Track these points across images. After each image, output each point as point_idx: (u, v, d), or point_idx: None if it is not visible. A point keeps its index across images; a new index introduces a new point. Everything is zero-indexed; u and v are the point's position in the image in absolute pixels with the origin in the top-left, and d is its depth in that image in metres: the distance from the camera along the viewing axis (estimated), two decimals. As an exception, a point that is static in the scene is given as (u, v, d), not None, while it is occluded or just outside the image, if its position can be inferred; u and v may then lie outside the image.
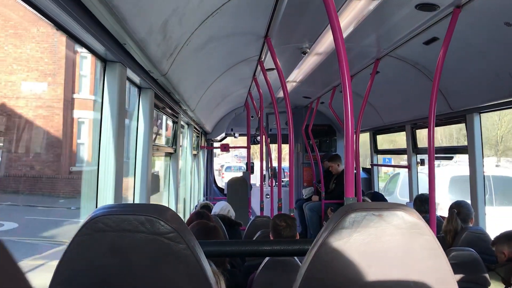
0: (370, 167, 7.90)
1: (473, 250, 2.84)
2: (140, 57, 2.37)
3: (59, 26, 1.72)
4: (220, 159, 32.14)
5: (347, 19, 3.37)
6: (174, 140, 4.83)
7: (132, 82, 2.87)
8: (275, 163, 8.34)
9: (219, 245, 2.07)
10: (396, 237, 0.99)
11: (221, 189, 9.77)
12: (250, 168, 8.21)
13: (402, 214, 1.00)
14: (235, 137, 9.85)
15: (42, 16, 1.62)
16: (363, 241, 1.00)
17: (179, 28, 2.47)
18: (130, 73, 2.56)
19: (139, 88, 3.08)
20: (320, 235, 1.05)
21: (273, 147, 11.04)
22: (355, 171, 5.20)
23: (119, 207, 1.07)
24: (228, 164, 31.58)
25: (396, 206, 1.01)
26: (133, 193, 2.98)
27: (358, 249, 0.99)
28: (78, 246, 1.02)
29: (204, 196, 9.08)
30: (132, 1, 1.78)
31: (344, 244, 1.00)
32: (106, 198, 2.20)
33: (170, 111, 4.35)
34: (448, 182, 7.54)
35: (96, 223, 1.02)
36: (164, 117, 4.74)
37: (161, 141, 5.45)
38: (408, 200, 5.87)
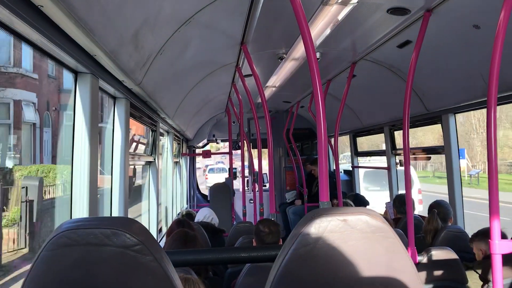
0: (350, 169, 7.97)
1: (450, 249, 2.88)
2: (112, 68, 2.36)
3: (25, 40, 1.70)
4: (205, 159, 32.14)
5: (321, 24, 3.40)
6: (153, 149, 4.80)
7: (105, 92, 2.85)
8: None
9: (197, 253, 2.06)
10: (361, 241, 1.00)
11: (204, 196, 9.73)
12: (232, 173, 8.20)
13: (366, 218, 1.01)
14: (217, 143, 9.82)
15: (9, 32, 1.60)
16: (329, 247, 1.00)
17: (151, 38, 2.47)
18: (103, 84, 2.54)
19: (114, 98, 3.05)
20: (287, 242, 1.06)
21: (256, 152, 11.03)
22: (338, 173, 5.27)
23: (85, 220, 1.06)
24: (212, 166, 31.54)
25: (360, 211, 1.02)
26: (110, 204, 2.94)
27: (324, 254, 1.00)
28: (44, 261, 1.01)
29: (187, 203, 9.03)
30: (99, 13, 1.77)
31: (311, 249, 1.00)
32: (80, 211, 2.18)
33: (148, 119, 4.32)
34: (362, 175, 10.29)
35: (61, 237, 1.01)
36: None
37: (141, 150, 5.41)
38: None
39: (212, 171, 29.92)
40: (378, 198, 8.48)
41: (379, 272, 1.01)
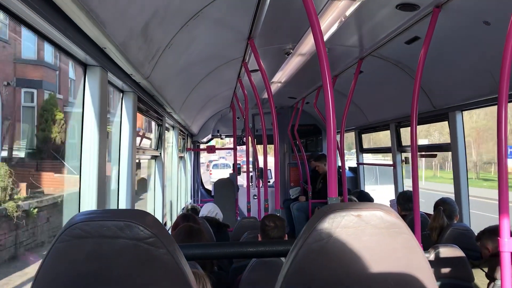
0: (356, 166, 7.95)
1: (457, 246, 2.87)
2: (121, 61, 2.35)
3: (36, 31, 1.70)
4: (208, 155, 32.27)
5: (329, 20, 3.39)
6: (159, 143, 4.81)
7: (114, 86, 2.85)
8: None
9: (204, 247, 2.06)
10: (375, 237, 1.00)
11: (208, 191, 9.75)
12: (237, 169, 8.20)
13: (381, 214, 1.00)
14: (221, 138, 9.83)
15: (19, 22, 1.60)
16: (342, 242, 1.00)
17: (160, 31, 2.46)
18: (112, 77, 2.54)
19: (122, 91, 3.06)
20: (300, 236, 1.05)
21: (261, 148, 11.05)
22: (344, 170, 5.26)
23: (98, 213, 1.06)
24: (216, 162, 31.62)
25: (375, 206, 1.02)
26: (117, 198, 2.95)
27: (337, 249, 1.00)
28: (57, 253, 1.01)
29: (191, 198, 9.04)
30: (110, 5, 1.77)
31: (324, 245, 1.00)
32: (89, 203, 2.18)
33: (154, 114, 4.32)
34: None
35: (75, 229, 1.00)
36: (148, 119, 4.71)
37: (147, 144, 5.42)
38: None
39: (216, 167, 30.02)
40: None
41: (393, 268, 1.00)
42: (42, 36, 1.78)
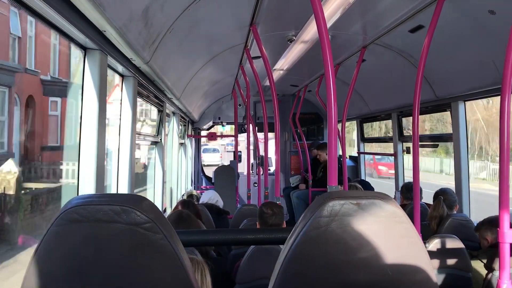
0: (356, 155, 7.94)
1: (456, 236, 2.87)
2: (121, 45, 2.33)
3: (35, 13, 1.68)
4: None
5: (333, 7, 3.34)
6: (159, 129, 4.79)
7: (114, 70, 2.83)
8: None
9: (202, 234, 2.06)
10: (374, 226, 0.99)
11: (209, 178, 9.76)
12: (237, 156, 8.19)
13: (380, 203, 0.99)
14: (222, 125, 9.81)
15: (18, 4, 1.58)
16: (341, 230, 0.99)
17: (161, 15, 2.43)
18: (112, 61, 2.52)
19: (122, 76, 3.03)
20: (298, 223, 1.04)
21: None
22: (341, 159, 5.26)
23: (94, 197, 1.05)
24: (206, 146, 31.78)
25: (374, 195, 1.01)
26: (116, 183, 2.95)
27: (335, 237, 0.99)
28: (53, 237, 1.01)
29: (192, 185, 9.06)
30: (110, -13, 1.74)
31: (323, 232, 0.99)
32: (88, 188, 2.18)
33: (155, 99, 4.30)
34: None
35: (71, 213, 1.00)
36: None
37: (148, 130, 5.40)
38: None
39: (206, 151, 30.33)
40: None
41: (391, 257, 1.00)
42: (41, 18, 1.76)
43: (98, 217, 0.99)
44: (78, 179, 2.19)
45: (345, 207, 0.99)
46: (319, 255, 1.00)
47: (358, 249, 0.99)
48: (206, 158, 26.83)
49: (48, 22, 1.81)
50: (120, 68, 2.77)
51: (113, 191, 2.91)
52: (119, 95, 3.08)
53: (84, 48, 2.21)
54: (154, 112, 4.93)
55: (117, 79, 3.10)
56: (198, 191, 7.17)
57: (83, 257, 1.01)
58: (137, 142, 3.69)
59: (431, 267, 1.02)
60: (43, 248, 1.01)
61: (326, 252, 0.99)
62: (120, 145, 3.01)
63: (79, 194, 2.14)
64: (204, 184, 9.54)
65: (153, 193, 4.74)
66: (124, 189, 3.00)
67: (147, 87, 3.60)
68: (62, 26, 1.88)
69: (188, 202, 3.74)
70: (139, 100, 3.88)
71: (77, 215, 1.00)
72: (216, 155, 31.58)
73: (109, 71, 2.62)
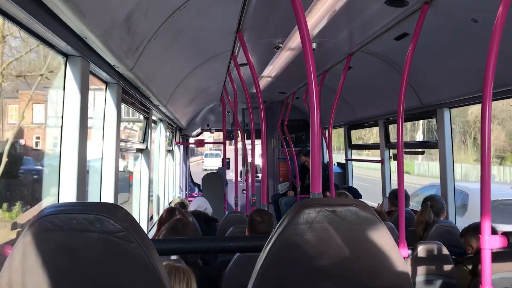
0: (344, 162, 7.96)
1: (440, 243, 2.88)
2: (103, 51, 2.31)
3: (14, 21, 1.66)
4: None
5: (319, 14, 3.36)
6: (145, 136, 4.76)
7: (97, 76, 2.80)
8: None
9: (186, 242, 2.04)
10: (350, 232, 0.99)
11: (197, 185, 9.71)
12: (226, 163, 8.17)
13: (356, 210, 1.00)
14: (211, 132, 9.78)
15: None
16: (317, 237, 0.99)
17: (144, 22, 2.43)
18: (95, 68, 2.50)
19: (106, 83, 3.01)
20: (274, 231, 1.04)
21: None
22: (331, 165, 5.26)
23: (69, 205, 1.04)
24: (208, 151, 32.42)
25: (350, 202, 1.01)
26: (99, 192, 2.91)
27: (312, 244, 0.99)
28: (25, 246, 0.99)
29: (180, 192, 9.01)
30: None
31: (299, 240, 0.99)
32: (69, 196, 2.15)
33: (140, 106, 4.28)
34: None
35: (43, 222, 0.99)
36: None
37: (134, 137, 5.36)
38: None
39: (207, 156, 31.10)
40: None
41: (367, 263, 1.00)
42: (21, 26, 1.74)
43: (71, 226, 0.98)
44: (59, 187, 2.16)
45: (321, 214, 0.99)
46: (295, 262, 1.00)
47: (334, 256, 0.99)
48: (208, 163, 27.94)
49: (27, 29, 1.79)
50: (103, 74, 2.75)
51: (96, 199, 2.88)
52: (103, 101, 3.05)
53: (65, 55, 2.19)
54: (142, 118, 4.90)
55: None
56: (189, 198, 7.13)
57: (56, 266, 0.99)
58: (123, 149, 3.67)
59: (408, 273, 1.02)
60: (16, 257, 1.00)
61: (301, 258, 0.99)
62: (104, 152, 2.98)
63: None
64: (197, 191, 9.50)
65: (139, 201, 4.70)
66: (108, 197, 2.97)
67: (132, 94, 3.58)
68: (42, 34, 1.86)
69: (174, 210, 3.71)
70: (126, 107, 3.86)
71: (50, 224, 0.99)
72: (218, 160, 31.91)
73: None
